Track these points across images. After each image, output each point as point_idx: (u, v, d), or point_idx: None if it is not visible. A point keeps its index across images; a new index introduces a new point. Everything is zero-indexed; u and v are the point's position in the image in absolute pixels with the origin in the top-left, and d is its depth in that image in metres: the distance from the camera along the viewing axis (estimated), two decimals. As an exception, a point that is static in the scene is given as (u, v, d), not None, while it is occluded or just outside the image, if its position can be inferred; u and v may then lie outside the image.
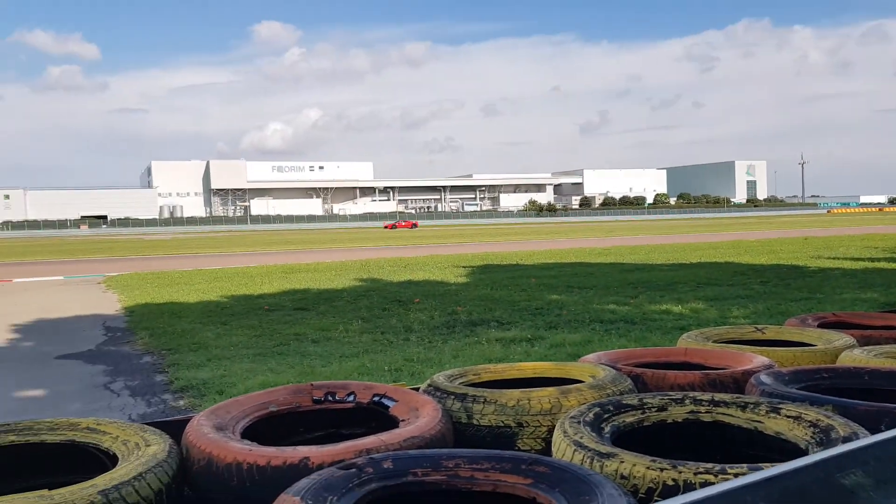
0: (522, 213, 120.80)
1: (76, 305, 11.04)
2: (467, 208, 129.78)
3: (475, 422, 1.89)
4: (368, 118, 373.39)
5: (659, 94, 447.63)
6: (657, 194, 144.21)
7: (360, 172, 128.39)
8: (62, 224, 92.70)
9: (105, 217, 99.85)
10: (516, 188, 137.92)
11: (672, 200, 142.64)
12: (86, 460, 1.74)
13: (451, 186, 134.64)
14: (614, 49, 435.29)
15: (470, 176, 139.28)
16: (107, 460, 1.67)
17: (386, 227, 75.55)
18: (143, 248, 35.96)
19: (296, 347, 6.87)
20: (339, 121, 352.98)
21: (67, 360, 6.77)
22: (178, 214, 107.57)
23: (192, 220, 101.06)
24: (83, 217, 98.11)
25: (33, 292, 13.48)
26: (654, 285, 11.48)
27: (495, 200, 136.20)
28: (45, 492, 1.35)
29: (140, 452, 1.59)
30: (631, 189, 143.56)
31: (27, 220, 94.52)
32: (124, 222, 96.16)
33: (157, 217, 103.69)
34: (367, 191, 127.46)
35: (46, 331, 8.62)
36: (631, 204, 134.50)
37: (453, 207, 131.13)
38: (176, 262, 21.79)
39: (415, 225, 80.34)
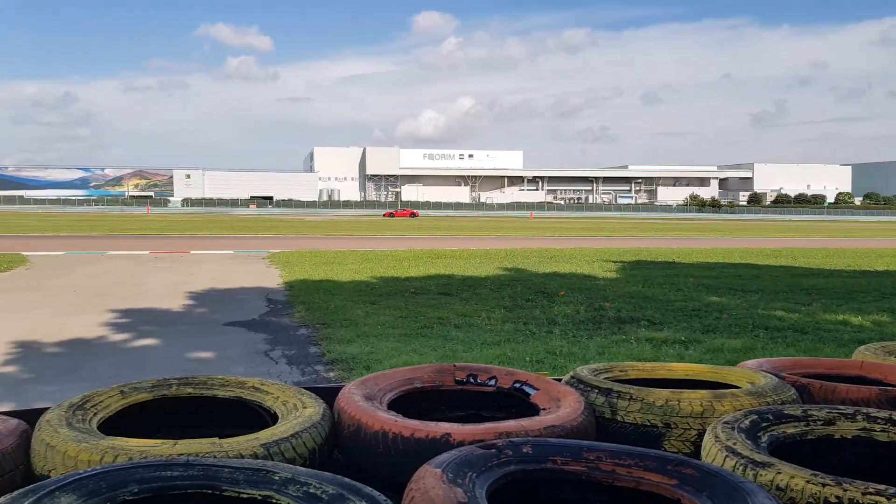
0: (682, 207, 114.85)
1: (243, 278, 12.15)
2: (621, 201, 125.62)
3: (619, 418, 1.86)
4: (520, 106, 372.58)
5: (846, 82, 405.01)
6: (839, 193, 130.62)
7: (509, 161, 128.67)
8: (234, 203, 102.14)
9: (271, 198, 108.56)
10: (676, 181, 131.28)
11: (857, 200, 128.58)
12: (249, 416, 1.93)
13: (605, 178, 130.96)
14: (796, 33, 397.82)
15: (625, 167, 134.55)
16: (268, 418, 1.85)
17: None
18: (304, 227, 38.68)
19: (439, 331, 7.09)
20: (491, 109, 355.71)
21: (234, 328, 7.50)
22: (336, 198, 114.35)
23: (347, 204, 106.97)
24: (252, 197, 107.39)
25: (207, 264, 15.02)
26: (831, 293, 10.48)
27: (652, 193, 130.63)
28: (215, 440, 1.52)
29: (297, 413, 1.74)
30: (808, 186, 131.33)
31: (204, 198, 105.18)
32: (287, 203, 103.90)
33: (317, 199, 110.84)
34: (515, 180, 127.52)
35: (217, 299, 9.57)
36: (808, 202, 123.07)
37: (606, 199, 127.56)
38: (332, 243, 23.23)
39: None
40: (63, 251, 17.96)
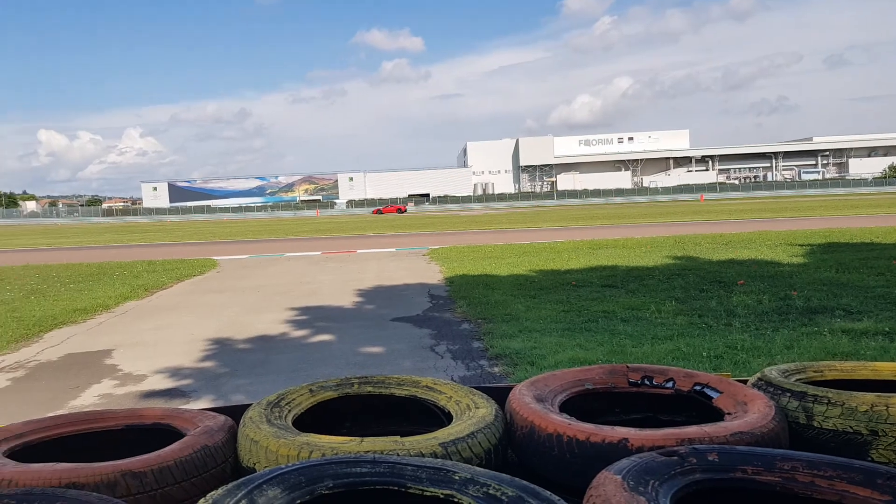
0: (880, 180, 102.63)
1: (405, 274, 12.70)
2: (805, 177, 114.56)
3: (815, 424, 1.73)
4: (684, 82, 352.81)
5: None
6: None
7: (673, 142, 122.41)
8: (393, 202, 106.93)
9: (427, 195, 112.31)
10: (871, 151, 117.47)
11: None
12: (423, 414, 2.04)
13: (785, 152, 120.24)
14: None
15: (809, 139, 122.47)
16: (442, 417, 1.94)
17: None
18: (460, 223, 39.56)
19: (604, 325, 6.95)
20: (651, 88, 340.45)
21: (400, 323, 7.86)
22: (490, 191, 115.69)
23: (502, 197, 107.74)
24: (410, 195, 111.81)
25: (372, 262, 15.86)
26: None
27: (842, 167, 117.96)
28: (397, 438, 1.62)
29: (470, 413, 1.80)
30: None
31: (366, 199, 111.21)
32: (443, 199, 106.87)
33: (472, 194, 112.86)
34: (681, 161, 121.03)
35: (383, 296, 10.09)
36: None
37: (787, 176, 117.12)
38: (488, 237, 23.55)
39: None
40: (246, 255, 19.86)
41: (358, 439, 1.59)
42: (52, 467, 1.43)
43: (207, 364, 6.26)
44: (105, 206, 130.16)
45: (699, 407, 1.90)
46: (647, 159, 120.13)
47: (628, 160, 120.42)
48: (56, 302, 10.36)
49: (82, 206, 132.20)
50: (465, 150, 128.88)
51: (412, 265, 14.59)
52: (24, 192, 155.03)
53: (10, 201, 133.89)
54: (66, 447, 1.77)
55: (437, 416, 1.98)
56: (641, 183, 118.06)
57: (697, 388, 1.93)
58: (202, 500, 1.20)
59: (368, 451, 1.51)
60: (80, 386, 5.69)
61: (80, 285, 12.53)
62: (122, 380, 5.83)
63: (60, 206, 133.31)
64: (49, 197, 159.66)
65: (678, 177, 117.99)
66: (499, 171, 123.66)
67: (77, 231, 54.16)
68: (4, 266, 17.89)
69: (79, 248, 28.08)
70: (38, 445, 1.73)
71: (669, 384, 1.99)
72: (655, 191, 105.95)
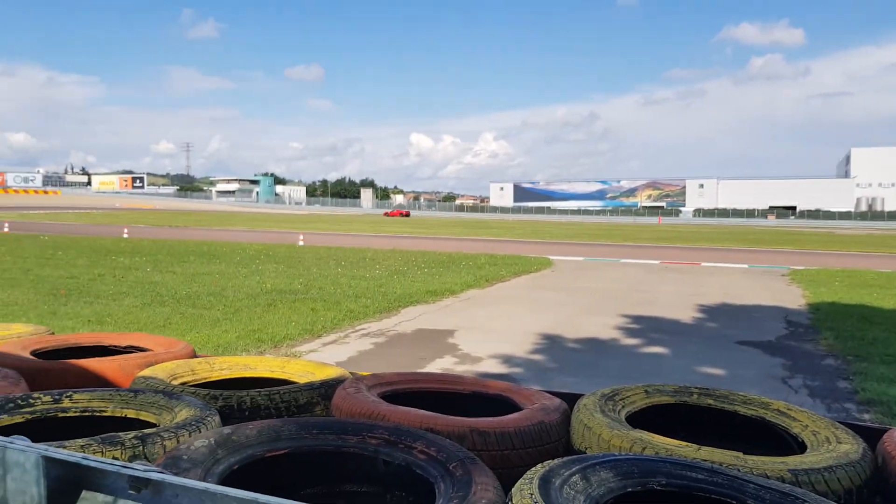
0: None
1: (758, 294, 11.73)
2: None
3: None
4: None
5: None
6: None
7: None
8: (749, 213, 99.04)
9: (794, 208, 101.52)
10: None
11: None
12: (769, 438, 1.91)
13: None
14: None
15: None
16: (794, 445, 1.80)
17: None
18: (834, 242, 34.97)
19: None
20: None
21: (746, 347, 7.32)
22: (878, 207, 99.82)
23: (893, 215, 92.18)
24: (771, 207, 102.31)
25: (718, 277, 14.98)
26: None
27: None
28: (738, 454, 1.56)
29: (830, 447, 1.65)
30: None
31: (717, 208, 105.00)
32: (814, 214, 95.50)
33: (853, 210, 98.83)
34: None
35: (728, 315, 9.49)
36: None
37: None
38: (871, 261, 20.43)
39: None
40: (582, 256, 20.41)
41: (695, 446, 1.57)
42: (417, 412, 1.71)
43: (537, 357, 6.65)
44: (458, 202, 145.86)
45: None
46: None
47: None
48: (412, 282, 11.99)
49: (439, 201, 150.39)
50: (847, 158, 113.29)
51: (767, 285, 13.41)
52: (395, 187, 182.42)
53: (384, 194, 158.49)
54: (422, 399, 2.10)
55: (785, 444, 1.86)
56: None
57: None
58: (539, 465, 1.33)
59: (706, 460, 1.49)
60: (427, 358, 6.52)
61: (433, 270, 14.29)
62: (461, 358, 6.53)
63: (422, 200, 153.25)
64: (413, 192, 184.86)
65: None
66: (893, 185, 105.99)
67: (433, 223, 61.68)
68: (377, 248, 21.28)
69: (433, 237, 31.97)
70: (403, 394, 2.08)
71: None
72: None
